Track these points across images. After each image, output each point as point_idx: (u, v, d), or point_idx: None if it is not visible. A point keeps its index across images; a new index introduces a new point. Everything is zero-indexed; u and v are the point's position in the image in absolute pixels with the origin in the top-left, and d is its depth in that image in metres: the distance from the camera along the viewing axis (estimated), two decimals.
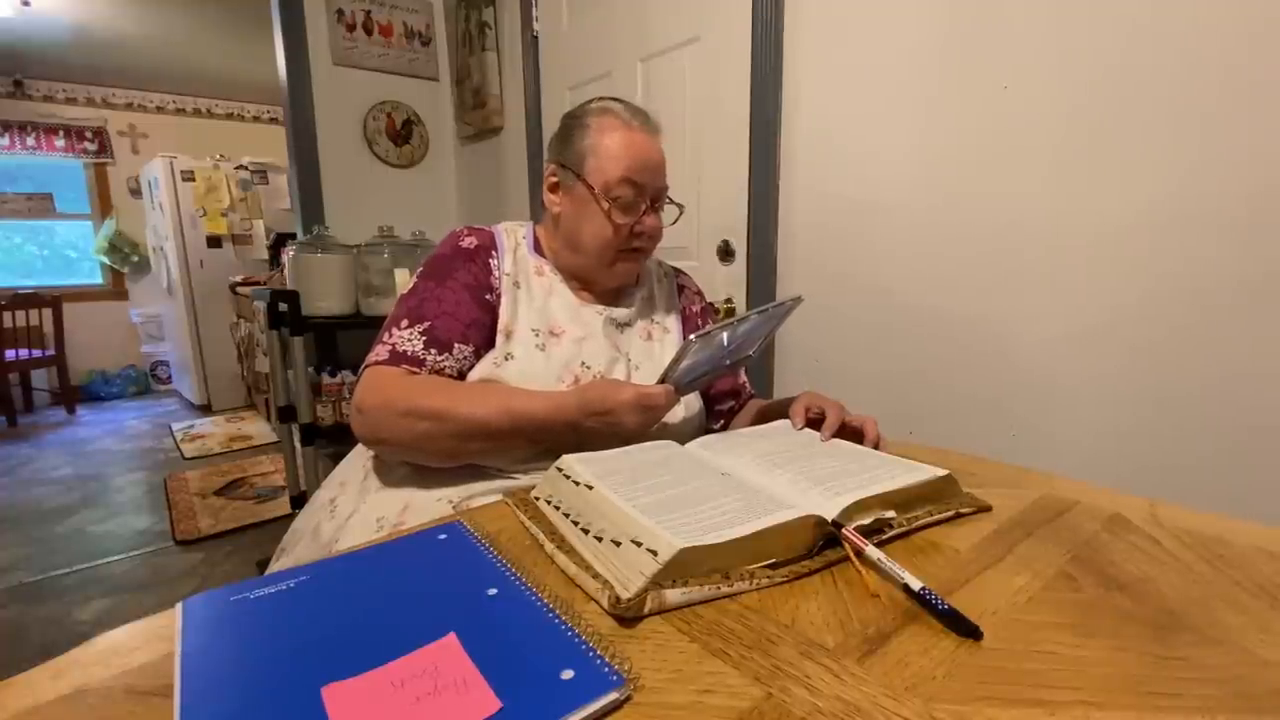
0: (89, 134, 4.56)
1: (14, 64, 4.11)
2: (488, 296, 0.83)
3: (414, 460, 0.78)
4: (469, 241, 0.86)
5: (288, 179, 2.74)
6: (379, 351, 0.78)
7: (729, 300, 1.54)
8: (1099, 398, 0.99)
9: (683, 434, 0.87)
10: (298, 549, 0.81)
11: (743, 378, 1.03)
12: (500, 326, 0.82)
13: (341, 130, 2.38)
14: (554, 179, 0.88)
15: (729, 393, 1.00)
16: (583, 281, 0.91)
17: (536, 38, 2.13)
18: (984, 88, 1.07)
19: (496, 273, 0.85)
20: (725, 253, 1.54)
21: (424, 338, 0.78)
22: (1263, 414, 0.84)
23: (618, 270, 0.88)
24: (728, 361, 0.82)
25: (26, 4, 3.21)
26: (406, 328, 0.79)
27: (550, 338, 0.84)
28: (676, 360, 0.69)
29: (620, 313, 0.91)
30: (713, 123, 1.54)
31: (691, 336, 0.66)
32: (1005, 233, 1.07)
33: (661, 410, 0.69)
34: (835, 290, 1.34)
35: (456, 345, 0.79)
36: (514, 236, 0.91)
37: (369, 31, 2.38)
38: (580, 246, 0.87)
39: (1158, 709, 0.34)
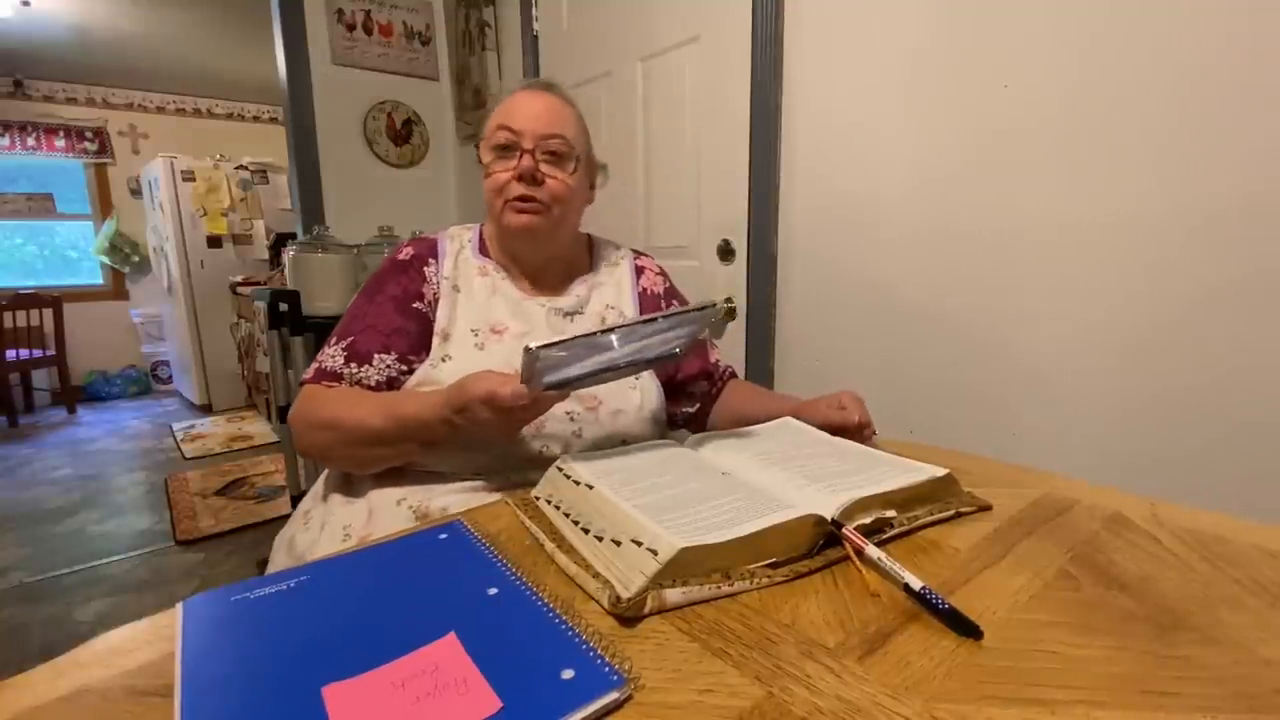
0: (89, 134, 4.56)
1: (14, 64, 4.11)
2: (416, 305, 0.85)
3: (345, 470, 0.82)
4: (406, 253, 0.89)
5: (288, 179, 2.74)
6: (308, 370, 0.83)
7: (729, 300, 1.54)
8: (1099, 396, 0.99)
9: (642, 420, 0.87)
10: (278, 560, 0.83)
11: (714, 356, 1.01)
12: (436, 330, 0.84)
13: (341, 130, 2.38)
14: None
15: (698, 375, 0.99)
16: (522, 268, 0.92)
17: (536, 37, 2.13)
18: (984, 87, 1.07)
19: (433, 280, 0.87)
20: (725, 252, 1.54)
21: (345, 353, 0.82)
22: (1263, 412, 0.84)
23: (510, 224, 0.86)
24: (632, 361, 0.72)
25: (26, 4, 3.21)
26: (334, 345, 0.83)
27: (491, 336, 0.85)
28: (526, 366, 0.60)
29: (566, 301, 0.91)
30: (713, 122, 1.54)
31: (530, 345, 0.57)
32: (1006, 231, 1.07)
33: (515, 413, 0.62)
34: (835, 289, 1.34)
35: (376, 356, 0.82)
36: (459, 240, 0.93)
37: (369, 31, 2.38)
38: (487, 210, 0.89)
39: (1158, 708, 0.34)
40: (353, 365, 0.81)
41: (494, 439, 0.69)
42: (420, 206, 2.58)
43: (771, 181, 1.41)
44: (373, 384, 0.81)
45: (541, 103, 0.86)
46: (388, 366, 0.82)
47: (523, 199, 0.84)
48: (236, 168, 4.17)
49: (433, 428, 0.69)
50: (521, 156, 0.84)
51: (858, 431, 0.77)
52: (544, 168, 0.84)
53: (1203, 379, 0.88)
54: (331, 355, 0.82)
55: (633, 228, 1.79)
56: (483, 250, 0.93)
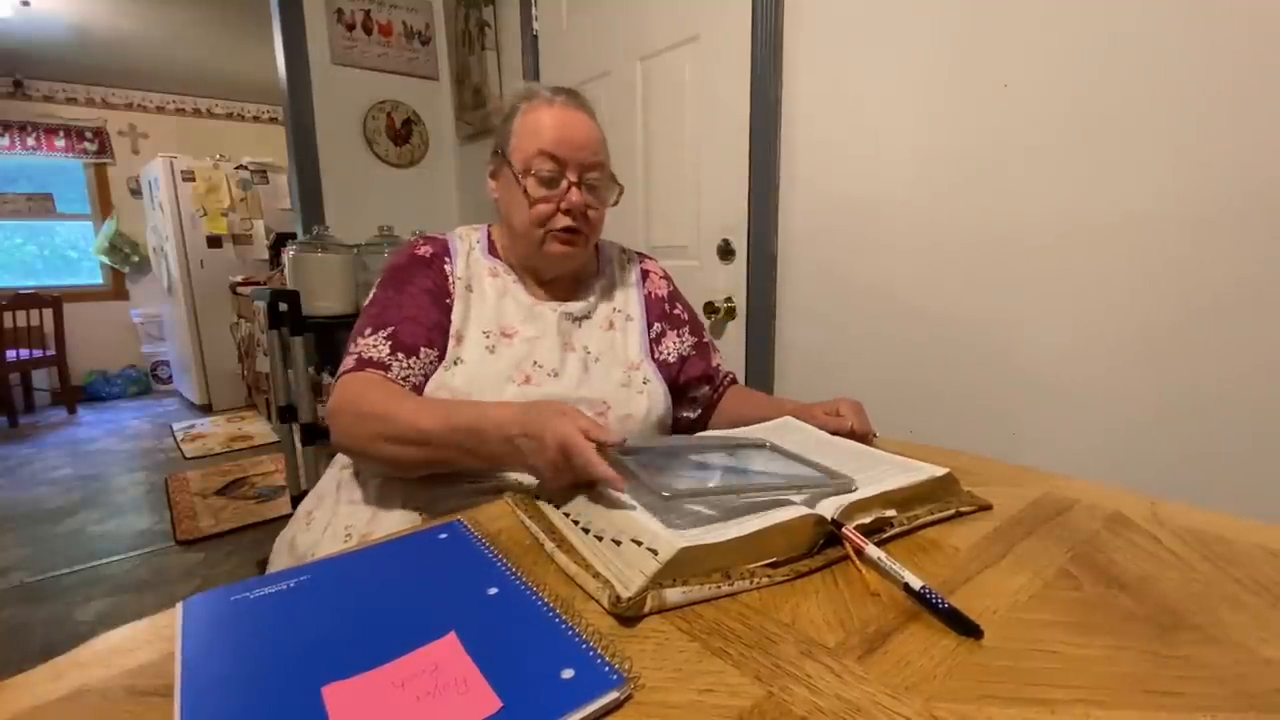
0: (89, 134, 4.56)
1: (14, 64, 4.11)
2: (446, 301, 0.84)
3: (376, 468, 0.78)
4: (425, 250, 0.88)
5: (288, 179, 2.74)
6: (347, 362, 0.79)
7: (729, 299, 1.54)
8: (1099, 397, 0.99)
9: (649, 425, 0.87)
10: (278, 562, 0.82)
11: (716, 361, 1.02)
12: (452, 331, 0.83)
13: (341, 130, 2.38)
14: (491, 166, 0.90)
15: (700, 378, 0.99)
16: (535, 276, 0.91)
17: (536, 37, 2.13)
18: (984, 86, 1.07)
19: (450, 278, 0.86)
20: (725, 252, 1.54)
21: (389, 343, 0.79)
22: (1263, 412, 0.84)
23: (551, 253, 0.86)
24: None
25: (26, 4, 3.21)
26: (370, 335, 0.80)
27: (502, 339, 0.84)
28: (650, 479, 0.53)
29: (576, 306, 0.91)
30: (713, 122, 1.54)
31: (668, 494, 0.50)
32: (1005, 231, 1.07)
33: (580, 468, 0.55)
34: (835, 289, 1.34)
35: (423, 349, 0.80)
36: (468, 241, 0.92)
37: (368, 31, 2.38)
38: (514, 230, 0.88)
39: (1159, 707, 0.34)
40: (399, 356, 0.78)
41: (541, 476, 0.61)
42: (420, 206, 2.58)
43: (771, 181, 1.41)
44: (418, 381, 0.78)
45: (578, 125, 0.84)
46: (430, 363, 0.80)
47: (568, 230, 0.84)
48: (236, 168, 4.18)
49: (490, 443, 0.63)
50: (569, 189, 0.83)
51: (856, 440, 0.76)
52: (586, 199, 0.84)
53: (1204, 380, 0.88)
54: (373, 345, 0.78)
55: (633, 228, 1.79)
56: (492, 252, 0.92)
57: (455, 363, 0.81)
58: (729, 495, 0.52)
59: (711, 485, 0.51)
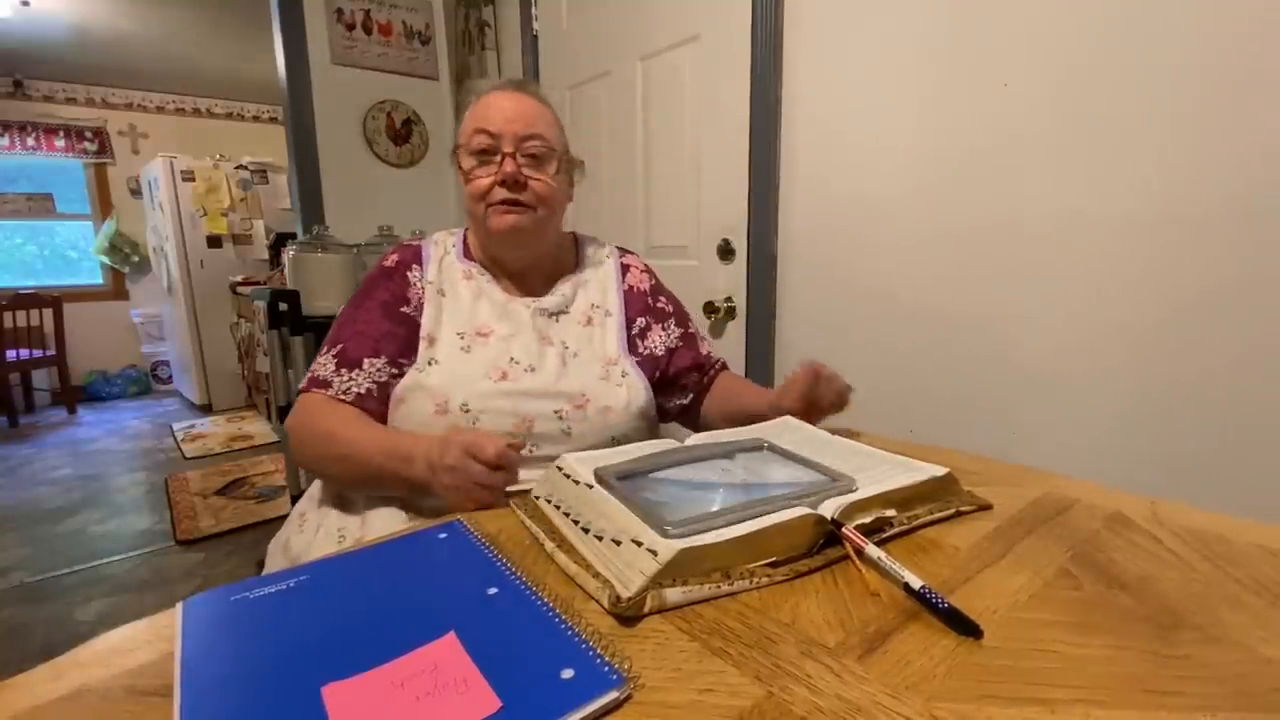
0: (89, 134, 4.56)
1: (14, 64, 4.11)
2: (404, 309, 0.86)
3: (335, 484, 0.82)
4: (392, 260, 0.91)
5: (288, 179, 2.74)
6: (303, 381, 0.83)
7: (729, 299, 1.54)
8: (1099, 396, 0.99)
9: (630, 416, 0.87)
10: (273, 564, 0.83)
11: (704, 349, 1.01)
12: (423, 334, 0.84)
13: (341, 130, 2.38)
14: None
15: (690, 368, 0.98)
16: (507, 271, 0.92)
17: (536, 37, 2.13)
18: (984, 86, 1.07)
19: (417, 285, 0.88)
20: (725, 252, 1.54)
21: (335, 360, 0.82)
22: (1263, 411, 0.84)
23: (494, 226, 0.85)
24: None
25: (26, 4, 3.21)
26: (325, 354, 0.84)
27: (477, 339, 0.85)
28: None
29: (551, 301, 0.91)
30: (712, 121, 1.54)
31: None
32: (1005, 231, 1.07)
33: (475, 448, 0.63)
34: (835, 289, 1.34)
35: (366, 360, 0.82)
36: (443, 246, 0.93)
37: (368, 31, 2.38)
38: (468, 216, 0.90)
39: (1159, 707, 0.34)
40: (343, 371, 0.82)
41: (451, 492, 0.65)
42: (420, 206, 2.57)
43: (771, 181, 1.41)
44: (363, 390, 0.81)
45: (516, 103, 0.86)
46: (378, 370, 0.83)
47: (506, 201, 0.85)
48: (236, 167, 4.18)
49: (414, 467, 0.68)
50: (503, 160, 0.84)
51: (837, 402, 0.79)
52: (525, 170, 0.84)
53: (1205, 379, 0.88)
54: (323, 364, 0.83)
55: (632, 227, 1.79)
56: (467, 254, 0.93)
57: (430, 363, 0.82)
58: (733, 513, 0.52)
59: (715, 510, 0.51)
